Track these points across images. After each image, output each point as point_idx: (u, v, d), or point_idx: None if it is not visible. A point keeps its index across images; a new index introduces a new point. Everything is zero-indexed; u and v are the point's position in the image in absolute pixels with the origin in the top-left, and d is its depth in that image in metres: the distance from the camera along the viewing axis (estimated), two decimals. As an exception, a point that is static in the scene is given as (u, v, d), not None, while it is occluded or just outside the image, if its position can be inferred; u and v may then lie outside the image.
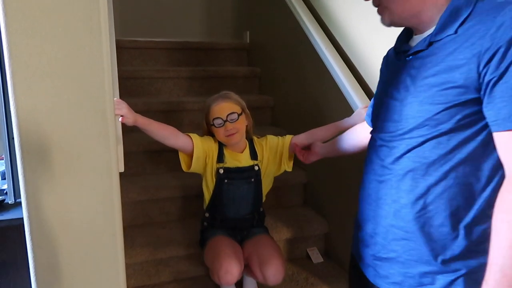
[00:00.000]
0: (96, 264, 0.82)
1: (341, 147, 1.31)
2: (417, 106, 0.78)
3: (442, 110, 0.74)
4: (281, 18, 2.16)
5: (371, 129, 0.97)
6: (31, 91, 0.72)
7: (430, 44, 0.79)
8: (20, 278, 1.42)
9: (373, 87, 1.51)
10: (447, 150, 0.76)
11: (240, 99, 1.47)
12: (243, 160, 1.48)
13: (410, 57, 0.83)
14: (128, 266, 1.49)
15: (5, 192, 1.56)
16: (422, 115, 0.77)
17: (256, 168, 1.49)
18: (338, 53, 1.66)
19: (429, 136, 0.77)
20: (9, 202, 1.46)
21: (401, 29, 0.91)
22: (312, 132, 1.51)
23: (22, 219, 0.77)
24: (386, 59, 1.00)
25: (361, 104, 1.46)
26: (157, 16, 2.97)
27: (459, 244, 0.78)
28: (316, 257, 1.76)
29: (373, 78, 1.51)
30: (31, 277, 0.78)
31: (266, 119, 2.35)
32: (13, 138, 0.74)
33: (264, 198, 1.56)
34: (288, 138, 1.52)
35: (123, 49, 2.36)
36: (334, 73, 1.60)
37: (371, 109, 1.05)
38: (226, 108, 1.41)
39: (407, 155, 0.80)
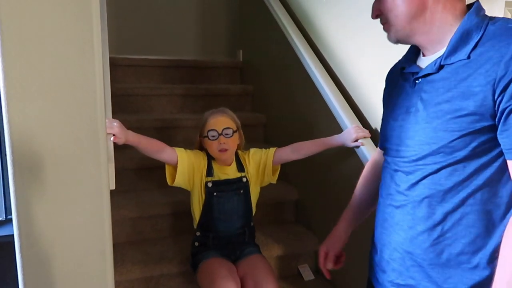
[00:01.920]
0: (86, 281, 0.82)
1: (369, 205, 1.13)
2: (431, 132, 0.76)
3: (457, 138, 0.73)
4: (273, 38, 2.21)
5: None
6: (24, 110, 0.74)
7: (441, 67, 0.77)
8: (9, 296, 1.41)
9: (361, 106, 1.54)
10: (463, 177, 0.74)
11: (236, 118, 1.50)
12: (231, 172, 1.50)
13: (420, 79, 0.81)
14: (118, 284, 1.48)
15: (-4, 209, 1.55)
16: (437, 142, 0.76)
17: (244, 179, 1.51)
18: (327, 72, 1.70)
19: (444, 164, 0.76)
20: (0, 219, 1.45)
21: (405, 47, 0.90)
22: (298, 146, 1.53)
23: (12, 236, 0.77)
24: (390, 77, 0.97)
25: (349, 123, 1.48)
26: (151, 34, 3.01)
27: (480, 273, 0.75)
28: (307, 274, 1.77)
29: (360, 97, 1.55)
30: (20, 295, 0.78)
31: (258, 137, 2.37)
32: (5, 155, 0.75)
33: (254, 210, 1.57)
34: (272, 150, 1.54)
35: (117, 67, 2.39)
36: (324, 92, 1.64)
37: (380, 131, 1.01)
38: (223, 122, 1.45)
39: (423, 181, 0.79)
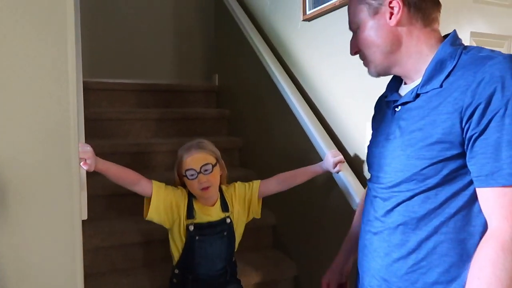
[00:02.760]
0: (54, 318, 0.78)
1: None
2: (404, 159, 0.78)
3: (429, 165, 0.74)
4: (249, 62, 2.24)
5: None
6: (-7, 138, 0.71)
7: (418, 96, 0.79)
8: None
9: (336, 129, 1.57)
10: (436, 204, 0.75)
11: (214, 148, 1.40)
12: (214, 213, 1.40)
13: (399, 107, 0.83)
14: (88, 318, 1.41)
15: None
16: (409, 169, 0.76)
17: (228, 220, 1.41)
18: (302, 96, 1.73)
19: (417, 191, 0.76)
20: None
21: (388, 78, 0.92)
22: (284, 177, 1.47)
23: (-26, 271, 0.73)
24: (379, 105, 0.99)
25: (325, 146, 1.50)
26: (126, 58, 2.99)
27: None
28: (286, 301, 1.74)
29: (335, 120, 1.57)
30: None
31: (234, 161, 2.36)
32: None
33: (236, 248, 1.48)
34: (256, 184, 1.46)
35: (90, 91, 2.35)
36: (299, 116, 1.66)
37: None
38: (200, 159, 1.34)
39: (397, 208, 0.80)
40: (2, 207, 0.72)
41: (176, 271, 1.42)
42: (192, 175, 1.33)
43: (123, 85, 2.51)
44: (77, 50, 0.76)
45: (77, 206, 0.77)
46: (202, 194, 1.36)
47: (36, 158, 0.73)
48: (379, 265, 0.83)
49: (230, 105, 2.58)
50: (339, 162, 1.41)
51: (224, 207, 1.42)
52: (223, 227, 1.40)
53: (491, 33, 1.38)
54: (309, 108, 1.67)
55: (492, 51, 0.74)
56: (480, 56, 0.73)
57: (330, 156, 1.43)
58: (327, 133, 1.58)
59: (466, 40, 1.32)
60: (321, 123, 1.61)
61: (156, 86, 2.60)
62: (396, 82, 0.90)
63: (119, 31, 2.95)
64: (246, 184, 1.49)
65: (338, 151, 1.47)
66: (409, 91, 0.82)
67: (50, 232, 0.75)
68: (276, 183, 1.47)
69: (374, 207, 0.87)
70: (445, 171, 0.73)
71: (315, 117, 1.63)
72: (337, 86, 1.56)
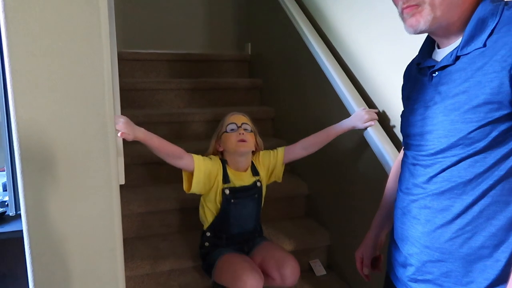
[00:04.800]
0: (96, 277, 0.81)
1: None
2: (448, 125, 0.75)
3: (476, 129, 0.71)
4: (282, 29, 2.18)
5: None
6: (32, 105, 0.72)
7: (457, 58, 0.75)
8: (20, 291, 1.41)
9: (374, 97, 1.51)
10: (484, 168, 0.72)
11: (254, 125, 1.51)
12: (246, 178, 1.48)
13: (436, 72, 0.80)
14: (128, 279, 1.48)
15: (6, 204, 1.55)
16: (455, 134, 0.74)
17: (259, 184, 1.50)
18: (339, 64, 1.66)
19: (463, 155, 0.74)
20: (10, 214, 1.45)
21: (417, 40, 0.87)
22: (308, 141, 1.52)
23: (22, 231, 0.77)
24: (408, 73, 0.96)
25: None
26: (158, 28, 2.99)
27: (502, 267, 0.73)
28: (319, 269, 1.75)
29: (372, 88, 1.51)
30: (30, 291, 0.77)
31: (267, 131, 2.35)
32: (14, 149, 0.73)
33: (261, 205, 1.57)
34: (281, 152, 1.53)
35: (124, 61, 2.38)
36: (335, 84, 1.61)
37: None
38: (242, 118, 1.48)
39: (441, 174, 0.77)
40: (48, 171, 0.75)
41: (208, 233, 1.50)
42: (232, 129, 1.44)
43: (156, 55, 2.52)
44: (110, 19, 0.76)
45: (115, 171, 0.79)
46: (238, 147, 1.43)
47: (73, 123, 0.75)
48: (420, 232, 0.82)
49: (263, 74, 2.54)
50: (372, 119, 1.40)
51: (255, 172, 1.51)
52: (254, 190, 1.49)
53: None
54: (346, 76, 1.61)
55: None
56: None
57: (363, 112, 1.43)
58: (365, 103, 1.52)
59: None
60: (359, 93, 1.55)
61: (189, 56, 2.59)
62: (428, 47, 0.86)
63: (151, 1, 2.94)
64: (271, 152, 1.54)
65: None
66: (447, 55, 0.77)
67: (90, 195, 0.78)
68: (301, 148, 1.52)
69: (413, 175, 0.84)
70: (494, 134, 0.70)
71: (352, 86, 1.57)
72: (375, 54, 1.49)
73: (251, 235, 1.54)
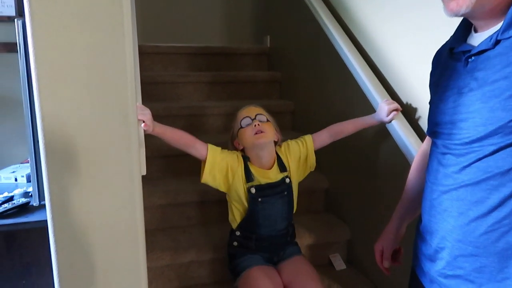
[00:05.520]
0: (118, 267, 0.82)
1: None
2: (487, 112, 0.72)
3: None
4: (302, 22, 2.15)
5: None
6: (56, 95, 0.73)
7: (497, 42, 0.72)
8: (44, 279, 1.44)
9: (400, 92, 1.47)
10: None
11: (270, 116, 1.44)
12: (273, 176, 1.40)
13: (473, 58, 0.76)
14: (149, 270, 1.48)
15: (30, 194, 1.58)
16: (494, 123, 0.70)
17: (288, 180, 1.42)
18: (363, 57, 1.62)
19: (502, 145, 0.70)
20: (34, 204, 1.48)
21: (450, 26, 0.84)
22: (336, 129, 1.46)
23: (46, 221, 0.77)
24: (437, 59, 0.92)
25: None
26: (177, 22, 3.00)
27: None
28: (339, 264, 1.73)
29: (399, 83, 1.47)
30: (55, 279, 0.78)
31: (286, 124, 2.33)
32: (38, 141, 0.74)
33: (295, 208, 1.49)
34: (309, 139, 1.46)
35: (144, 55, 2.39)
36: (358, 76, 1.57)
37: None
38: (255, 110, 1.41)
39: (476, 164, 0.74)
40: (71, 161, 0.75)
41: (238, 233, 1.44)
42: (247, 123, 1.37)
43: (175, 49, 2.53)
44: (131, 11, 0.75)
45: (137, 161, 0.79)
46: (255, 140, 1.35)
47: (96, 113, 0.75)
48: (451, 225, 0.79)
49: (282, 67, 2.52)
50: (394, 109, 1.35)
51: (282, 168, 1.42)
52: (283, 187, 1.41)
53: None
54: (369, 69, 1.56)
55: None
56: None
57: (384, 104, 1.37)
58: (389, 95, 1.48)
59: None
60: (383, 85, 1.51)
61: (208, 49, 2.59)
62: (464, 31, 0.82)
63: (170, -6, 2.95)
64: (299, 141, 1.48)
65: (392, 100, 1.41)
66: (486, 39, 0.74)
67: (113, 185, 0.78)
68: (328, 135, 1.47)
69: (443, 164, 0.81)
70: None
71: (376, 78, 1.53)
72: (402, 48, 1.44)
73: (283, 239, 1.46)
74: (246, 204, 1.39)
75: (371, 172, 1.61)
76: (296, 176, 1.46)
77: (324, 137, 1.47)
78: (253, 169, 1.40)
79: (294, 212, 1.48)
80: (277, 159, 1.43)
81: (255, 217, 1.39)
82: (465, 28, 0.82)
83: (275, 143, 1.44)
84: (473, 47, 0.77)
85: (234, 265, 1.42)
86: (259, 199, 1.38)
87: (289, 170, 1.44)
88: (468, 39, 0.80)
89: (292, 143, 1.47)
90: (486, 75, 0.73)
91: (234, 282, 1.41)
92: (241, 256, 1.42)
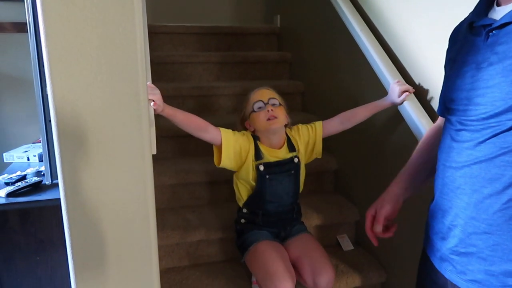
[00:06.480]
0: (130, 244, 0.83)
1: (427, 172, 1.01)
2: (507, 86, 0.70)
3: None
4: (313, 0, 2.11)
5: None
6: (67, 74, 0.73)
7: None
8: (57, 255, 1.47)
9: (413, 74, 1.43)
10: None
11: (281, 98, 1.44)
12: (281, 154, 1.43)
13: (494, 31, 0.74)
14: (159, 248, 1.50)
15: (42, 173, 1.61)
16: None
17: (296, 160, 1.44)
18: (376, 38, 1.59)
19: None
20: (46, 183, 1.50)
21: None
22: (348, 115, 1.45)
23: (58, 199, 0.79)
24: (455, 35, 0.90)
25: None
26: (187, 1, 2.96)
27: None
28: (347, 244, 1.74)
29: (412, 64, 1.44)
30: (68, 255, 0.80)
31: (296, 105, 2.32)
32: (50, 120, 0.75)
33: (301, 188, 1.50)
34: (319, 126, 1.46)
35: (153, 34, 2.37)
36: (371, 58, 1.54)
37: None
38: (267, 93, 1.41)
39: (492, 140, 0.72)
40: (83, 140, 0.76)
41: (245, 210, 1.46)
42: (259, 107, 1.38)
43: (185, 28, 2.50)
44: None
45: (147, 140, 0.79)
46: (268, 125, 1.37)
47: (107, 91, 0.75)
48: (465, 202, 0.77)
49: (292, 47, 2.48)
50: (406, 90, 1.34)
51: (291, 148, 1.44)
52: (291, 166, 1.43)
53: None
54: (382, 49, 1.53)
55: None
56: None
57: (396, 85, 1.36)
58: (404, 79, 1.45)
59: None
60: (397, 69, 1.47)
61: (217, 29, 2.57)
62: (485, 5, 0.80)
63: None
64: (309, 126, 1.48)
65: (404, 81, 1.38)
66: (509, 12, 0.71)
67: (124, 164, 0.78)
68: (339, 123, 1.46)
69: (457, 141, 0.79)
70: None
71: (388, 59, 1.49)
72: (417, 28, 1.40)
73: (289, 215, 1.48)
74: (253, 182, 1.41)
75: (381, 154, 1.60)
76: (304, 158, 1.48)
77: (334, 124, 1.46)
78: (262, 148, 1.42)
79: (300, 192, 1.50)
80: (287, 140, 1.45)
81: (262, 193, 1.41)
82: (487, 2, 0.80)
83: (285, 125, 1.45)
84: (494, 20, 0.75)
85: (242, 241, 1.45)
86: (267, 176, 1.40)
87: (298, 150, 1.46)
88: (489, 13, 0.78)
89: (302, 127, 1.49)
90: (508, 48, 0.70)
91: (242, 258, 1.44)
92: (248, 231, 1.44)
